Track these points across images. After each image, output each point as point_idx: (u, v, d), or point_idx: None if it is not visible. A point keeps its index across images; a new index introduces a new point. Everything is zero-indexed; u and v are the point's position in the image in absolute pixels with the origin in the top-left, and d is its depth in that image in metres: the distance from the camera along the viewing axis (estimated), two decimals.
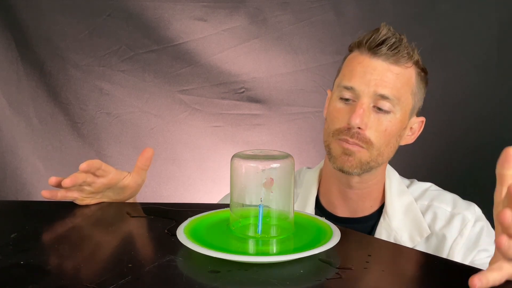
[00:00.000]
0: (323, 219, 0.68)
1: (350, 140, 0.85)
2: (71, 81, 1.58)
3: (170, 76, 1.60)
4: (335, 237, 0.60)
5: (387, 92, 0.85)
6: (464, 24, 1.55)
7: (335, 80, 0.94)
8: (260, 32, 1.58)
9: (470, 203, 0.94)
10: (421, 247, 0.90)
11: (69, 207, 0.79)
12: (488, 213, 0.81)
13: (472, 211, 0.91)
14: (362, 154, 0.86)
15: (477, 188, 0.98)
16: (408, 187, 0.96)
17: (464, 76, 1.58)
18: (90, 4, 1.53)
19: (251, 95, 1.63)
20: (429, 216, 0.92)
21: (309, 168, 1.07)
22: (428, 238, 0.91)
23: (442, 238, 0.90)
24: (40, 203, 0.85)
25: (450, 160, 1.60)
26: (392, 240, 0.90)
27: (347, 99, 0.87)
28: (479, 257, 0.87)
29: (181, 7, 1.54)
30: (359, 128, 0.85)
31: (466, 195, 0.96)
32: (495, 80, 1.57)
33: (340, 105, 0.88)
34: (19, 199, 1.56)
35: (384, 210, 0.93)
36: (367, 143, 0.86)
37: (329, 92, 0.98)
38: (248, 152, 0.63)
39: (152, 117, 1.64)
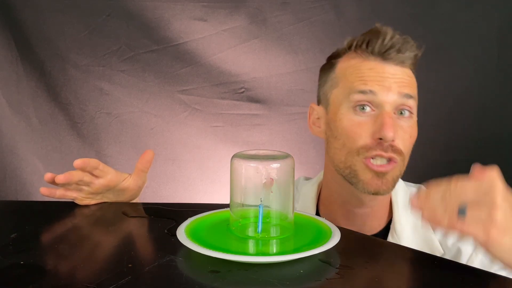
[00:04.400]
0: (323, 219, 0.68)
1: (386, 154, 0.78)
2: (71, 81, 1.58)
3: (170, 76, 1.60)
4: (335, 237, 0.60)
5: (410, 91, 0.81)
6: (464, 24, 1.55)
7: (327, 92, 0.86)
8: (260, 32, 1.58)
9: None
10: None
11: (69, 207, 0.79)
12: None
13: None
14: (395, 170, 0.80)
15: None
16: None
17: (464, 76, 1.58)
18: (90, 4, 1.52)
19: (251, 95, 1.63)
20: (439, 231, 0.84)
21: (307, 179, 1.01)
22: (444, 256, 0.84)
23: (456, 253, 0.84)
24: (40, 203, 0.85)
25: (450, 160, 1.60)
26: None
27: (363, 108, 0.79)
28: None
29: (181, 7, 1.54)
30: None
31: None
32: (495, 80, 1.57)
33: (358, 118, 0.80)
34: (19, 199, 1.56)
35: (392, 226, 0.88)
36: (400, 154, 0.80)
37: (314, 107, 0.89)
38: (248, 152, 0.63)
39: (152, 117, 1.64)
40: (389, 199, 0.89)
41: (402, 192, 0.89)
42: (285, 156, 0.62)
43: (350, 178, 0.82)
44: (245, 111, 1.64)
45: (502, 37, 1.55)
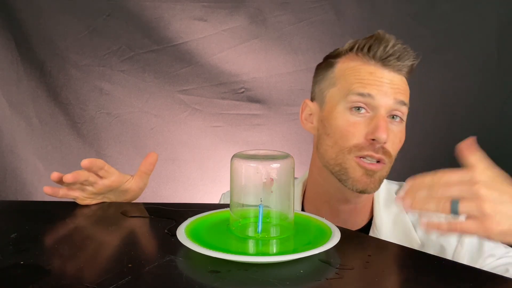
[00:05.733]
0: (323, 219, 0.68)
1: (376, 155, 0.81)
2: (71, 81, 1.58)
3: (170, 76, 1.61)
4: (335, 237, 0.60)
5: (405, 98, 0.83)
6: (464, 24, 1.55)
7: (323, 89, 0.88)
8: (260, 32, 1.58)
9: None
10: None
11: (69, 207, 0.79)
12: None
13: None
14: (383, 170, 0.83)
15: None
16: (396, 193, 0.93)
17: (464, 76, 1.58)
18: (90, 4, 1.53)
19: (251, 95, 1.63)
20: (419, 228, 0.87)
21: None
22: (424, 249, 0.85)
23: (440, 249, 0.85)
24: (40, 203, 0.85)
25: (450, 160, 1.60)
26: None
27: (358, 108, 0.82)
28: (487, 263, 0.82)
29: (181, 7, 1.54)
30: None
31: None
32: (495, 80, 1.57)
33: (353, 118, 0.82)
34: (19, 199, 1.56)
35: (373, 222, 0.91)
36: (389, 156, 0.83)
37: (308, 102, 0.92)
38: (248, 152, 0.63)
39: (152, 117, 1.64)
40: (372, 197, 0.92)
41: (384, 190, 0.92)
42: (285, 156, 0.62)
43: (339, 175, 0.85)
44: (245, 111, 1.64)
45: (502, 37, 1.55)
